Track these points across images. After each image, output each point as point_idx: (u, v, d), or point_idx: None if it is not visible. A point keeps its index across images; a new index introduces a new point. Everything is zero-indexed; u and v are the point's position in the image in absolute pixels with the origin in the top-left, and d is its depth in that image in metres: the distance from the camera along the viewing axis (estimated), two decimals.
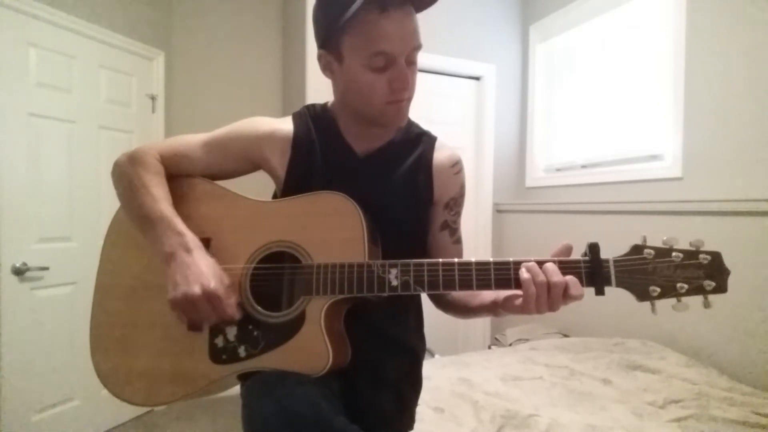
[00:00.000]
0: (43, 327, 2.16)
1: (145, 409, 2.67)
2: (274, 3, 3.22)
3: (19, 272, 2.04)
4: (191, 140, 0.93)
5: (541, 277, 0.72)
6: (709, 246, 0.73)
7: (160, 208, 0.83)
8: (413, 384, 0.98)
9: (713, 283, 0.70)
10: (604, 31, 2.64)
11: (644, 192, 2.31)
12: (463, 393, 1.62)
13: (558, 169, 2.98)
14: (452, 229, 0.97)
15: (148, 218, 0.83)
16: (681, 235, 0.74)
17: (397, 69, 0.79)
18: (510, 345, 2.50)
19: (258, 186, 1.09)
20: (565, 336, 2.53)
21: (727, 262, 0.71)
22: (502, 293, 0.81)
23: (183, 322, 0.82)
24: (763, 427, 1.41)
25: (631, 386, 1.68)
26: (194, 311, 0.76)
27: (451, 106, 3.12)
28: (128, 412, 2.58)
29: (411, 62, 0.82)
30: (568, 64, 2.91)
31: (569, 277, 0.72)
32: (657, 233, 0.76)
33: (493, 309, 0.84)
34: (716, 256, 0.71)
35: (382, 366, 0.90)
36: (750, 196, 1.83)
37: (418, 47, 0.81)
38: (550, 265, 0.73)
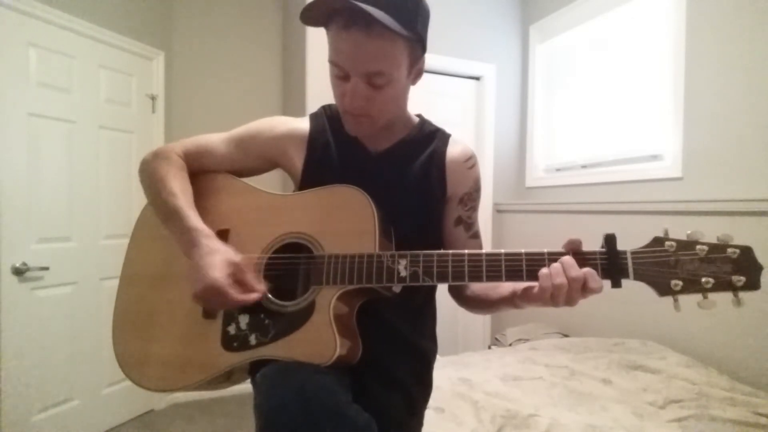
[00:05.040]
0: (43, 327, 2.16)
1: (145, 409, 2.67)
2: (274, 3, 3.22)
3: (19, 272, 2.04)
4: (214, 138, 0.97)
5: (560, 276, 0.69)
6: None
7: (175, 202, 0.85)
8: (424, 388, 0.98)
9: (743, 278, 0.66)
10: (604, 31, 2.64)
11: (644, 192, 2.31)
12: (463, 393, 1.62)
13: (558, 169, 2.98)
14: (467, 224, 0.98)
15: (164, 211, 0.86)
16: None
17: (350, 85, 0.79)
18: (510, 345, 2.50)
19: (280, 185, 1.11)
20: (565, 336, 2.53)
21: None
22: (521, 285, 0.79)
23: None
24: (763, 427, 1.42)
25: (632, 386, 1.68)
26: (208, 305, 0.81)
27: (451, 106, 3.12)
28: (128, 411, 2.58)
29: (373, 85, 0.79)
30: (568, 64, 2.91)
31: (587, 270, 0.69)
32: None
33: (511, 300, 0.82)
34: (746, 250, 0.66)
35: (396, 367, 0.90)
36: (750, 196, 1.83)
37: (374, 73, 0.77)
38: (567, 259, 0.70)
